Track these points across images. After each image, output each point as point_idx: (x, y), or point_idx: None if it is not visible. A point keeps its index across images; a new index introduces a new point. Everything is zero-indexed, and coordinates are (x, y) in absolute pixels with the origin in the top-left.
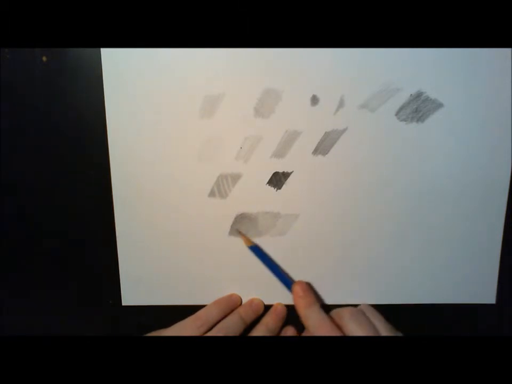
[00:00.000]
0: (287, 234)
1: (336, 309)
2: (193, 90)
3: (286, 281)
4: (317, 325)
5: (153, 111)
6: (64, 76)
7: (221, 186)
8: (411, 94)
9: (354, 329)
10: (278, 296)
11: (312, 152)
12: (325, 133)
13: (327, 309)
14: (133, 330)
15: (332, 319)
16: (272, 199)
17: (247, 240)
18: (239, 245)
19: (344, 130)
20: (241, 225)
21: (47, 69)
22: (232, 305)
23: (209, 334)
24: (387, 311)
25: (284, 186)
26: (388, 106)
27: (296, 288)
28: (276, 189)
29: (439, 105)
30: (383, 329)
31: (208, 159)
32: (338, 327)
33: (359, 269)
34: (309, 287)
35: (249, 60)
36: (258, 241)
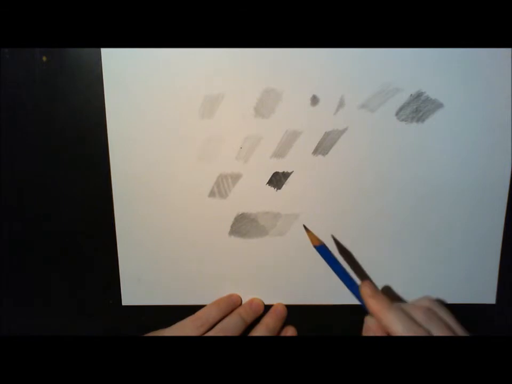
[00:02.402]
0: (287, 234)
1: (406, 307)
2: (193, 90)
3: (351, 283)
4: (405, 331)
5: (153, 111)
6: (64, 75)
7: (221, 186)
8: (411, 94)
9: (435, 331)
10: (278, 296)
11: (312, 152)
12: (325, 133)
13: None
14: (133, 330)
15: (413, 321)
16: (272, 199)
17: (315, 239)
18: (239, 244)
19: (344, 130)
20: (241, 225)
21: (47, 69)
22: (232, 305)
23: (209, 334)
24: None
25: (284, 186)
26: (387, 106)
27: (365, 289)
28: (275, 189)
29: (439, 105)
30: (459, 329)
31: (208, 159)
32: (421, 329)
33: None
34: (376, 287)
35: (249, 59)
36: (258, 241)
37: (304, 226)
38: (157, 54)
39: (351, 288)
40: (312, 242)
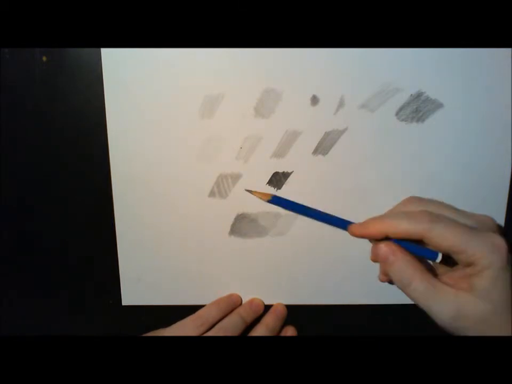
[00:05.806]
0: (287, 234)
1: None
2: (193, 90)
3: (327, 218)
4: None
5: (153, 111)
6: (64, 75)
7: (221, 186)
8: (411, 94)
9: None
10: (278, 296)
11: (312, 152)
12: (325, 133)
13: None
14: (133, 330)
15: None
16: None
17: (263, 195)
18: (239, 244)
19: (344, 130)
20: (241, 225)
21: (47, 69)
22: (232, 305)
23: (209, 333)
24: (388, 311)
25: (284, 186)
26: (387, 106)
27: (353, 229)
28: (275, 189)
29: (439, 105)
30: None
31: (208, 159)
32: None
33: (359, 269)
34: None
35: (249, 59)
36: (258, 241)
37: (248, 191)
38: (157, 54)
39: (331, 223)
40: (264, 198)
